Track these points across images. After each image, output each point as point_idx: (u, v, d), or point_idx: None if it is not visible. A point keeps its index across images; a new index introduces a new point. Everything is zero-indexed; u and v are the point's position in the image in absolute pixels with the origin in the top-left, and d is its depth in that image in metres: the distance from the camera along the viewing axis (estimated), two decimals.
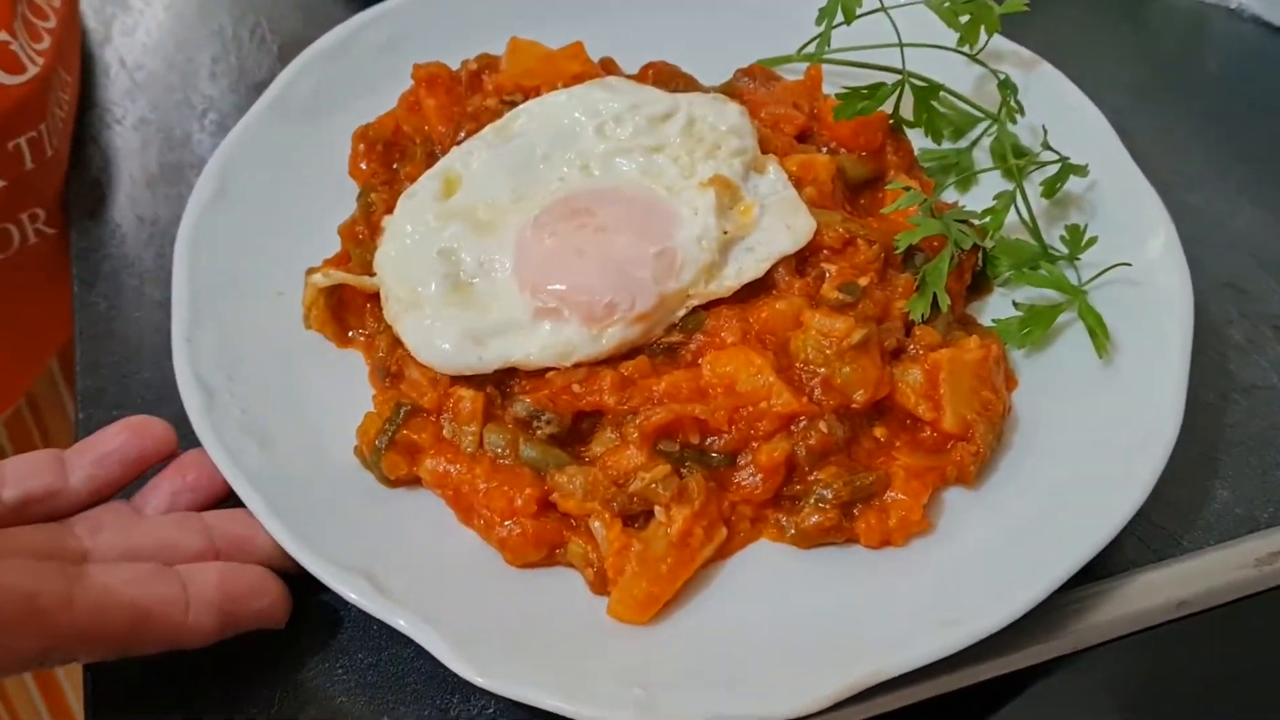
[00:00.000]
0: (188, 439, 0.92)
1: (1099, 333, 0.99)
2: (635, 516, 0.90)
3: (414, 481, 0.94)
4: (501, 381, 0.96)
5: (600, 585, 0.88)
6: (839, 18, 1.11)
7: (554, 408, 0.92)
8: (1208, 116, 1.26)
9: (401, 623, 0.82)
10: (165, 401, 0.98)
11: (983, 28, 1.13)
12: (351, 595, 0.83)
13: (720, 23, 1.28)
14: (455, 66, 1.18)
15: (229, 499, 0.90)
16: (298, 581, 0.86)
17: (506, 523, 0.89)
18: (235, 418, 0.94)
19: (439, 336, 0.96)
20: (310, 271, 1.03)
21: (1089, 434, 0.94)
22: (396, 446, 0.92)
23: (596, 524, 0.88)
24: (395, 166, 1.13)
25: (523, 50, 1.18)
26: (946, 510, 0.93)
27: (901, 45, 1.11)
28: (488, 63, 1.18)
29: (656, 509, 0.88)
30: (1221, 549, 0.95)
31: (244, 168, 1.10)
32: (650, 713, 0.77)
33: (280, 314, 1.03)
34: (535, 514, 0.89)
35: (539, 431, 0.92)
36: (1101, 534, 0.87)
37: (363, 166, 1.13)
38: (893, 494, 0.91)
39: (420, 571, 0.87)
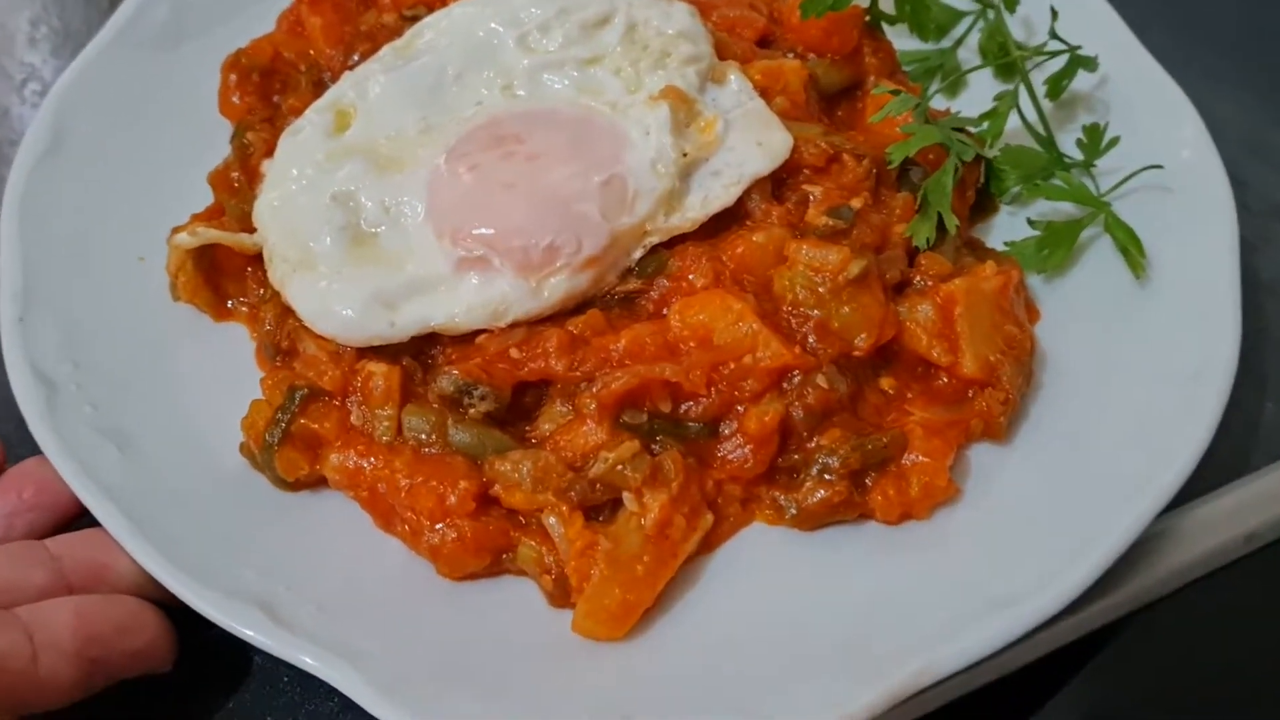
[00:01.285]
0: (26, 445, 0.73)
1: (1132, 248, 0.84)
2: (599, 508, 0.73)
3: (318, 483, 0.76)
4: (421, 351, 0.79)
5: (561, 596, 0.70)
6: None
7: (489, 379, 0.74)
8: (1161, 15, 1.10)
9: (309, 660, 0.64)
10: None
11: None
12: (245, 631, 0.64)
13: None
14: None
15: (81, 518, 0.71)
16: (184, 615, 0.67)
17: (438, 526, 0.71)
18: (85, 416, 0.75)
19: (339, 301, 0.78)
20: (175, 231, 0.83)
21: (1132, 366, 0.80)
22: (293, 440, 0.74)
23: (552, 519, 0.70)
24: (276, 100, 0.94)
25: None
26: (974, 470, 0.78)
27: None
28: None
29: (625, 496, 0.72)
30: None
31: (86, 111, 0.91)
32: None
33: (142, 284, 0.85)
34: (473, 513, 0.72)
35: (471, 410, 0.74)
36: (1166, 480, 0.72)
37: (236, 101, 0.93)
38: (911, 456, 0.75)
39: (332, 596, 0.69)
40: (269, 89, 0.94)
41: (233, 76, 0.93)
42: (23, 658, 0.60)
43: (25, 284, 0.79)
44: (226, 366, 0.82)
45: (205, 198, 0.89)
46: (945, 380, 0.79)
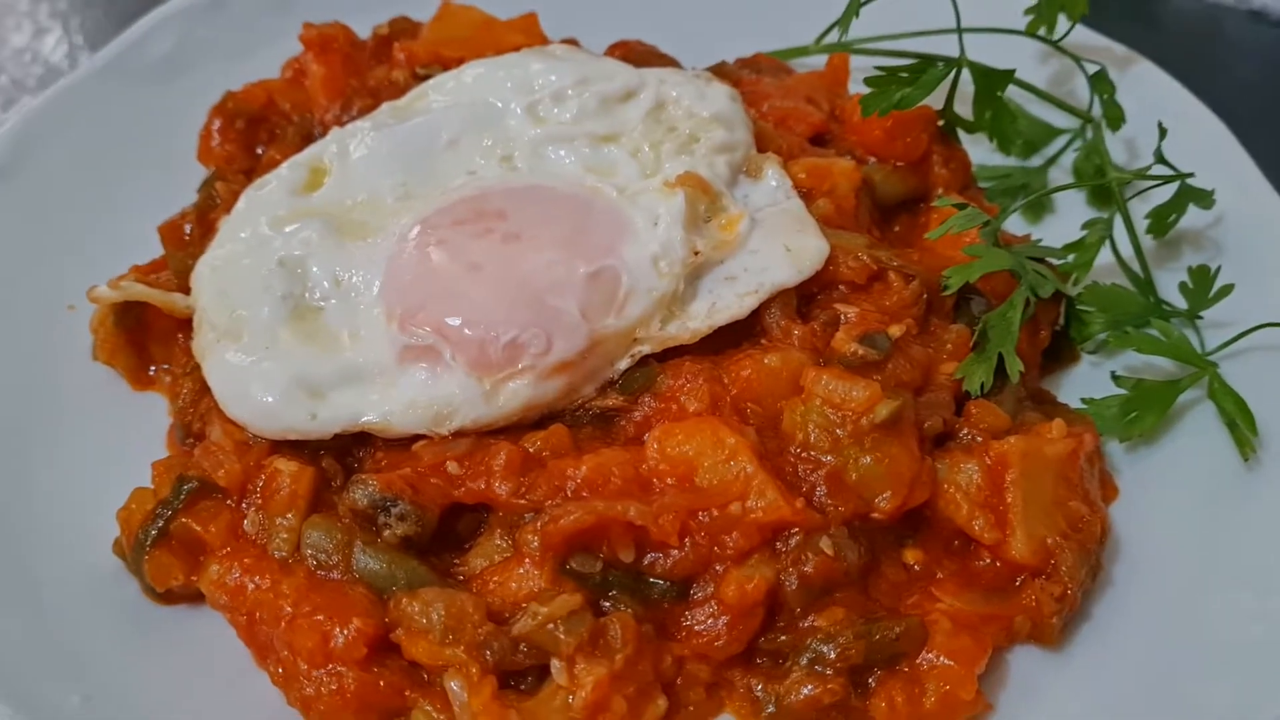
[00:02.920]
0: None
1: (1241, 421, 0.70)
2: (522, 674, 0.58)
3: (195, 597, 0.63)
4: (346, 452, 0.67)
5: None
6: None
7: (414, 496, 0.62)
8: (1242, 127, 0.95)
9: None
10: None
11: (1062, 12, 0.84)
12: None
13: (719, 6, 1.00)
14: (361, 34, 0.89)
15: None
16: None
17: (316, 673, 0.56)
18: None
19: (261, 382, 0.67)
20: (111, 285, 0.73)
21: (1227, 571, 0.66)
22: (170, 542, 0.62)
23: (455, 682, 0.56)
24: (259, 150, 0.84)
25: (455, 16, 0.91)
26: (1014, 682, 0.63)
27: (960, 29, 0.80)
28: (404, 28, 0.91)
29: (554, 664, 0.57)
30: None
31: (55, 140, 0.83)
32: None
33: (64, 335, 0.74)
34: (364, 661, 0.58)
35: (387, 531, 0.61)
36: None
37: (216, 146, 0.84)
38: (932, 655, 0.61)
39: None
40: (254, 138, 0.85)
41: (217, 121, 0.85)
42: None
43: None
44: (134, 444, 0.71)
45: (157, 248, 0.78)
46: (987, 562, 0.64)
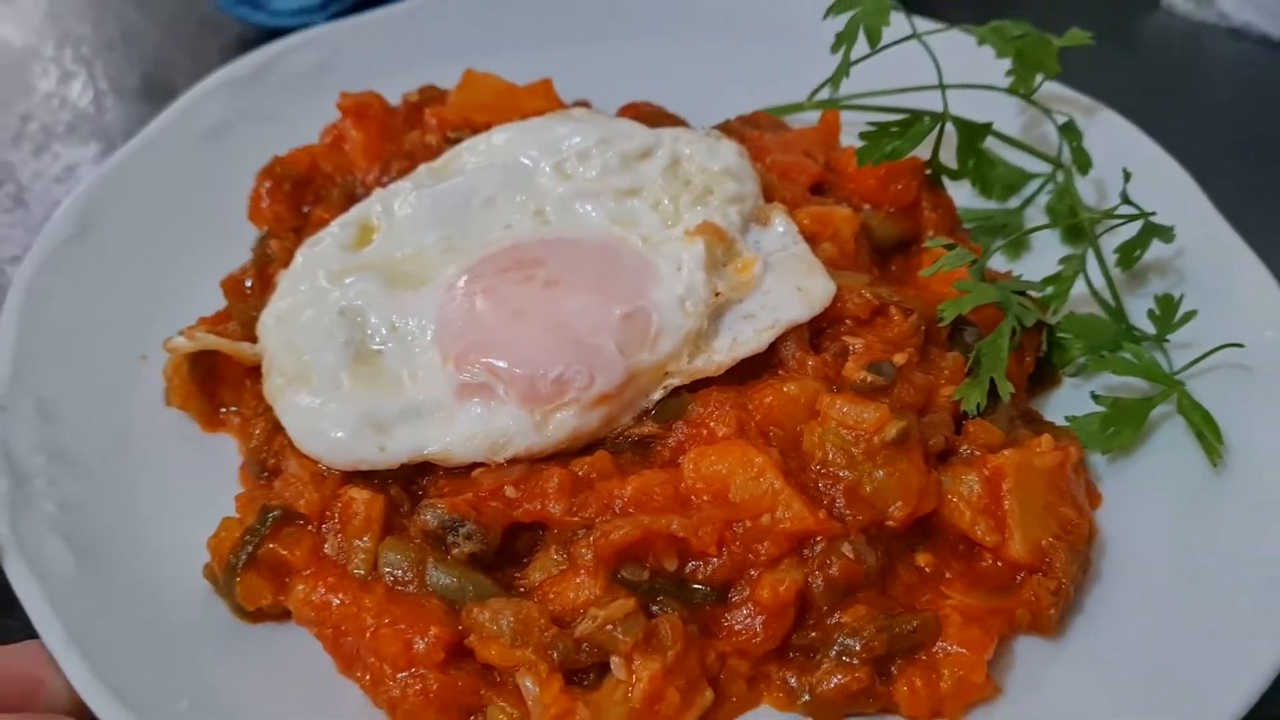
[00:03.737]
0: None
1: (1208, 432, 0.76)
2: (584, 671, 0.65)
3: (282, 615, 0.69)
4: (411, 481, 0.73)
5: None
6: (860, 44, 0.89)
7: (478, 517, 0.68)
8: (1222, 150, 1.03)
9: None
10: None
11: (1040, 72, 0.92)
12: None
13: (718, 67, 1.08)
14: (393, 101, 0.97)
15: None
16: None
17: (401, 675, 0.63)
18: (46, 515, 0.70)
19: (330, 421, 0.73)
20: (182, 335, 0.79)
21: (1203, 563, 0.72)
22: (259, 565, 0.68)
23: (528, 680, 0.62)
24: (306, 210, 0.91)
25: (478, 83, 0.98)
26: (1018, 667, 0.69)
27: (943, 86, 0.89)
28: (432, 95, 0.98)
29: (613, 661, 0.64)
30: None
31: (116, 206, 0.89)
32: None
33: (140, 384, 0.81)
34: (442, 664, 0.64)
35: (456, 549, 0.68)
36: (1238, 698, 0.61)
37: (265, 207, 0.90)
38: (945, 645, 0.67)
39: None
40: (300, 199, 0.92)
41: (267, 184, 0.91)
42: None
43: (14, 370, 0.76)
44: (209, 480, 0.77)
45: (219, 301, 0.85)
46: (990, 562, 0.71)
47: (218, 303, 0.85)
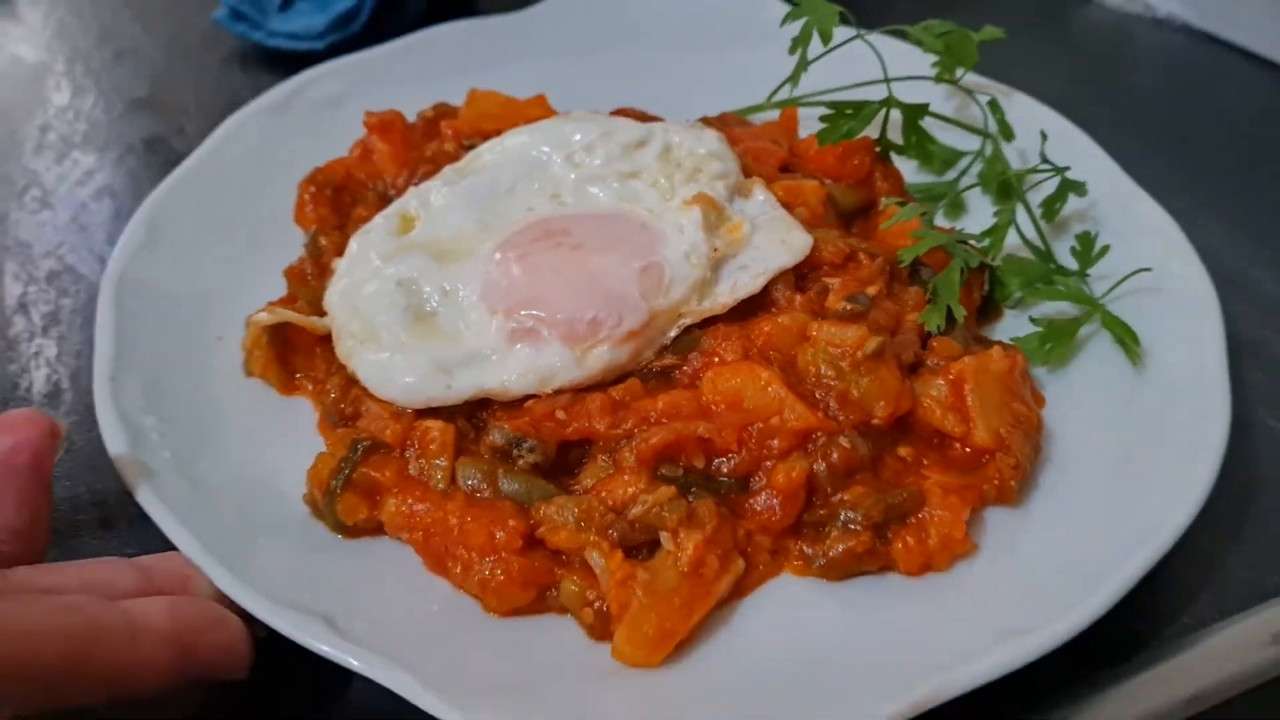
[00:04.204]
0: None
1: (1128, 339, 0.91)
2: (638, 548, 0.77)
3: (374, 530, 0.81)
4: (473, 414, 0.85)
5: (601, 629, 0.74)
6: (815, 44, 1.05)
7: (537, 434, 0.81)
8: (1147, 131, 1.18)
9: (363, 665, 0.68)
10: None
11: (960, 65, 1.09)
12: (309, 640, 0.69)
13: (687, 78, 1.23)
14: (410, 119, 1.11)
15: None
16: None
17: (487, 560, 0.75)
18: (164, 459, 0.81)
19: (401, 370, 0.85)
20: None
21: (1132, 441, 0.86)
22: (354, 487, 0.80)
23: (594, 554, 0.75)
24: (346, 211, 1.03)
25: (483, 99, 1.12)
26: (989, 530, 0.82)
27: (887, 79, 1.06)
28: (445, 111, 1.12)
29: (663, 536, 0.76)
30: (1231, 624, 0.80)
31: (177, 213, 1.01)
32: None
33: (219, 360, 0.92)
34: (520, 550, 0.76)
35: (520, 461, 0.80)
36: (1164, 537, 0.77)
37: (309, 212, 1.03)
38: (930, 511, 0.80)
39: (385, 617, 0.74)
40: (340, 202, 1.04)
41: (310, 190, 1.04)
42: (123, 635, 0.63)
43: (116, 350, 0.87)
44: (288, 433, 0.88)
45: (278, 290, 0.97)
46: (959, 449, 0.85)
47: (276, 291, 0.97)
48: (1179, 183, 1.07)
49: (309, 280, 0.96)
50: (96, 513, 0.85)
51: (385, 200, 1.03)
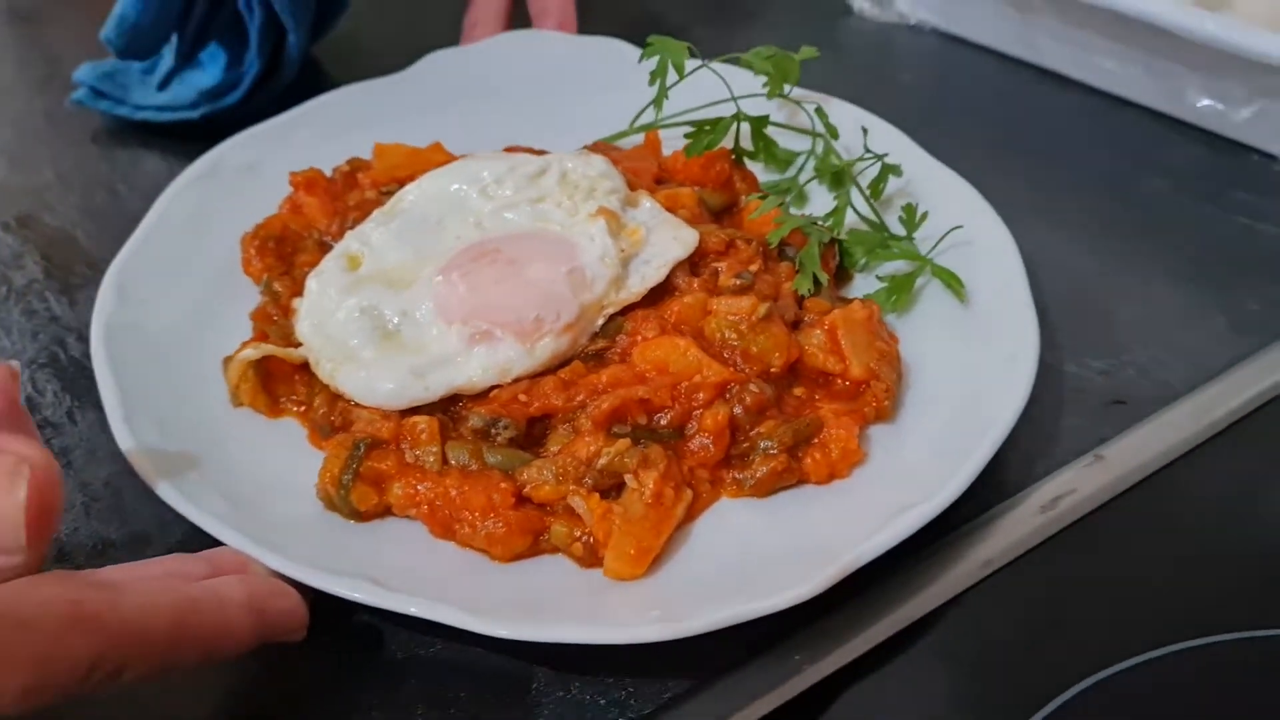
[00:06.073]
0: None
1: (953, 283, 1.14)
2: (608, 491, 0.95)
3: (384, 512, 0.96)
4: (448, 408, 1.01)
5: (590, 558, 0.92)
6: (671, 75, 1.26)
7: (507, 414, 0.98)
8: (917, 119, 1.35)
9: (415, 610, 0.83)
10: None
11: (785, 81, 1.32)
12: (357, 595, 0.84)
13: (558, 116, 1.42)
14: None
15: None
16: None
17: (488, 519, 0.92)
18: (193, 480, 0.94)
19: (381, 380, 1.01)
20: (238, 350, 1.06)
21: (970, 359, 1.07)
22: (363, 478, 0.95)
23: (576, 499, 0.92)
24: (290, 259, 1.18)
25: (389, 151, 1.28)
26: (874, 441, 1.03)
27: (734, 97, 1.27)
28: (358, 164, 1.27)
29: (627, 478, 0.94)
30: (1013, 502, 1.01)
31: (141, 273, 1.14)
32: (675, 623, 0.81)
33: (208, 395, 1.05)
34: (513, 506, 0.93)
35: (499, 438, 0.97)
36: (1005, 421, 0.98)
37: (256, 264, 1.17)
38: (829, 431, 1.00)
39: (416, 574, 0.89)
40: (283, 251, 1.17)
41: (252, 246, 1.17)
42: (214, 606, 0.77)
43: (121, 397, 0.99)
44: (284, 448, 1.02)
45: (245, 332, 1.11)
46: (841, 383, 1.05)
47: (243, 334, 1.11)
48: (948, 158, 1.30)
49: (274, 320, 1.10)
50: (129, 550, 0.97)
51: (324, 246, 1.18)
